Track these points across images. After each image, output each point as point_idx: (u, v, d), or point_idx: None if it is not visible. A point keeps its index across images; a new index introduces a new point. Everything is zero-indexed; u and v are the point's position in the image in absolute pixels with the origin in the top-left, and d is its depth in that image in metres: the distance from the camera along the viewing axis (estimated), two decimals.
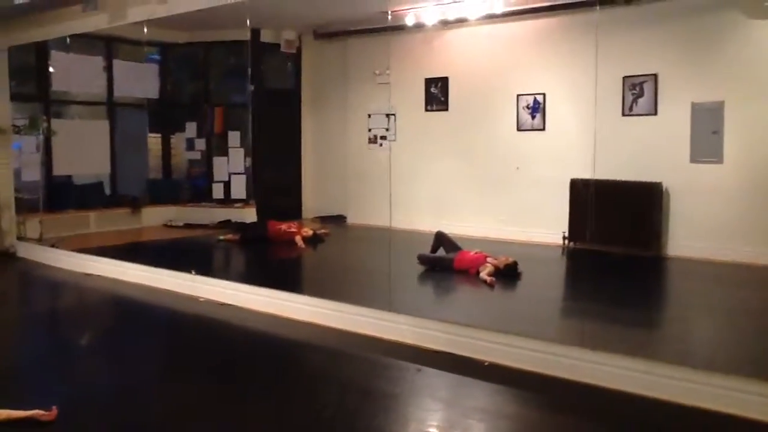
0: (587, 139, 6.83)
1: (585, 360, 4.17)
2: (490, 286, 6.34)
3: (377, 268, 6.69)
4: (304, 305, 5.65)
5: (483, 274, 6.50)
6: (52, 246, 8.48)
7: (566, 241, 8.34)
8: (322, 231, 9.33)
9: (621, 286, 6.59)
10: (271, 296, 5.91)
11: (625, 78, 8.08)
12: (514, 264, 6.67)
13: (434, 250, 7.37)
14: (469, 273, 6.70)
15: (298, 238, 8.75)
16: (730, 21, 7.50)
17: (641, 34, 7.97)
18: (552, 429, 3.71)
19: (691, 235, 7.64)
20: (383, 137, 10.42)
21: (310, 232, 8.99)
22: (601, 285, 6.44)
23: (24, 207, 8.97)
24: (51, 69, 10.01)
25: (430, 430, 3.61)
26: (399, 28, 9.56)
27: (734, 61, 7.44)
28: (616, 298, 6.00)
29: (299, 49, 11.26)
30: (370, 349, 4.91)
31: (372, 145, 10.62)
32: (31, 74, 10.02)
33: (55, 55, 9.98)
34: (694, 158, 7.65)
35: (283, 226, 9.02)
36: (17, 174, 9.07)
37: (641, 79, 8.00)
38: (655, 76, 7.91)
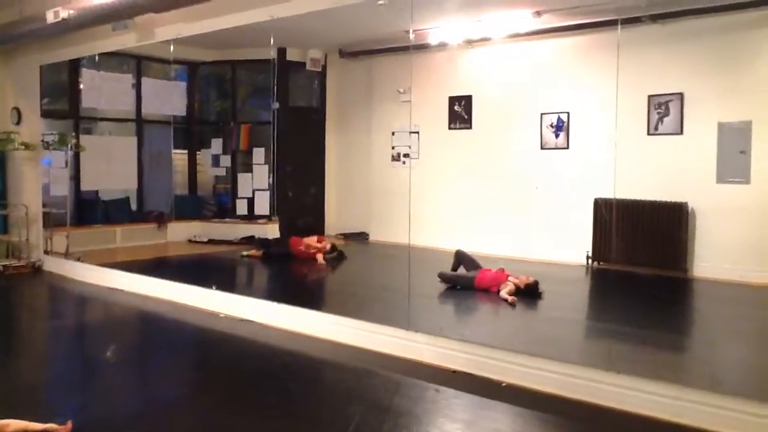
0: (611, 158, 6.77)
1: (609, 383, 4.11)
2: (512, 305, 6.30)
3: (397, 286, 6.67)
4: (323, 322, 5.65)
5: (504, 293, 6.45)
6: (78, 260, 8.60)
7: (590, 261, 8.26)
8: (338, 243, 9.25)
9: (646, 308, 6.48)
10: (291, 313, 5.92)
11: (650, 97, 8.02)
12: (536, 283, 6.61)
13: (455, 268, 7.34)
14: (490, 291, 6.66)
15: (319, 257, 8.77)
16: (759, 39, 7.42)
17: (667, 52, 7.91)
18: None
19: (717, 256, 7.52)
20: (406, 155, 10.44)
21: (328, 246, 9.00)
22: (625, 306, 6.35)
23: (51, 221, 9.11)
24: (81, 86, 10.19)
25: None
26: (423, 47, 9.60)
27: (763, 80, 7.34)
28: (640, 320, 5.90)
29: (324, 68, 11.35)
30: (390, 368, 4.88)
31: (395, 163, 10.65)
32: (62, 91, 10.22)
33: (86, 73, 10.18)
34: (721, 178, 7.54)
35: (305, 242, 9.04)
36: (46, 189, 9.23)
37: (667, 98, 7.93)
38: (681, 95, 7.84)
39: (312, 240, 9.13)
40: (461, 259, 7.35)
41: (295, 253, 9.01)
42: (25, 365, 5.22)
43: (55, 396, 4.45)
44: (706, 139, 7.61)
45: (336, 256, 9.06)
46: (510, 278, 6.67)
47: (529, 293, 6.55)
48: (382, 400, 4.21)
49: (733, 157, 7.46)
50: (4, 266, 8.65)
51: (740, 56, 7.52)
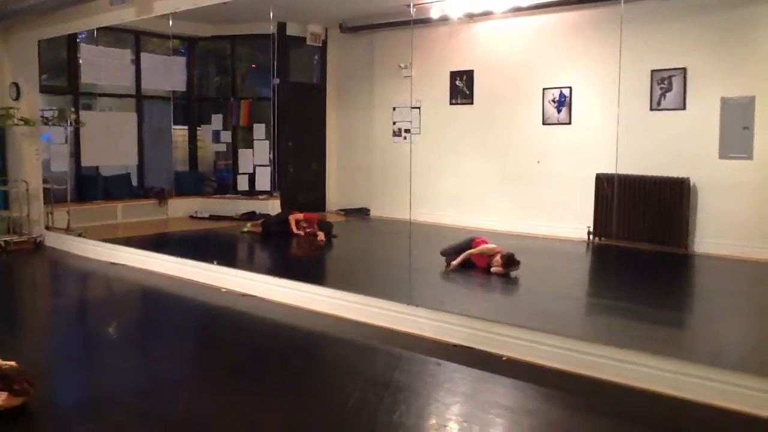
0: (613, 134, 6.74)
1: (609, 357, 4.12)
2: (506, 275, 6.38)
3: (399, 262, 6.68)
4: (324, 297, 5.67)
5: (495, 268, 6.50)
6: (79, 236, 8.61)
7: (591, 237, 8.26)
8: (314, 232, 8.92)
9: (647, 283, 6.50)
10: (292, 287, 5.93)
11: (653, 72, 7.96)
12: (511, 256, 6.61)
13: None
14: (479, 264, 6.65)
15: (321, 234, 8.73)
16: (763, 14, 7.34)
17: (670, 27, 7.84)
18: (574, 427, 3.66)
19: (719, 231, 7.51)
20: (408, 131, 10.40)
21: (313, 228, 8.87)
22: (626, 281, 6.35)
23: (52, 197, 9.10)
24: (80, 61, 10.13)
25: (450, 424, 3.60)
26: (425, 21, 9.51)
27: (767, 55, 7.28)
28: (642, 295, 5.91)
29: (325, 43, 11.26)
30: (391, 342, 4.90)
31: (396, 139, 10.61)
32: (61, 67, 10.16)
33: (85, 48, 10.11)
34: (724, 154, 7.50)
35: (302, 217, 8.96)
36: (46, 165, 9.20)
37: (670, 73, 7.87)
38: (684, 70, 7.78)
39: (311, 219, 8.98)
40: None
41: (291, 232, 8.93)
42: (26, 341, 5.24)
43: (57, 372, 4.46)
44: (709, 115, 7.56)
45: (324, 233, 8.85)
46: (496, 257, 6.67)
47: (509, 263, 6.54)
48: (383, 375, 4.23)
49: (736, 132, 7.42)
50: (5, 242, 8.65)
51: (744, 31, 7.45)
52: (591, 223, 8.24)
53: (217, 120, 11.25)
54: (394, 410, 3.66)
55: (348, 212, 10.88)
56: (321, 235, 8.72)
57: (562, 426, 3.65)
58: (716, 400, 3.71)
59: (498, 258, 6.53)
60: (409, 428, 3.48)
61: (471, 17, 9.46)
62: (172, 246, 8.62)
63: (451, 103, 10.00)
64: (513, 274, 6.43)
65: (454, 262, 6.70)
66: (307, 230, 8.83)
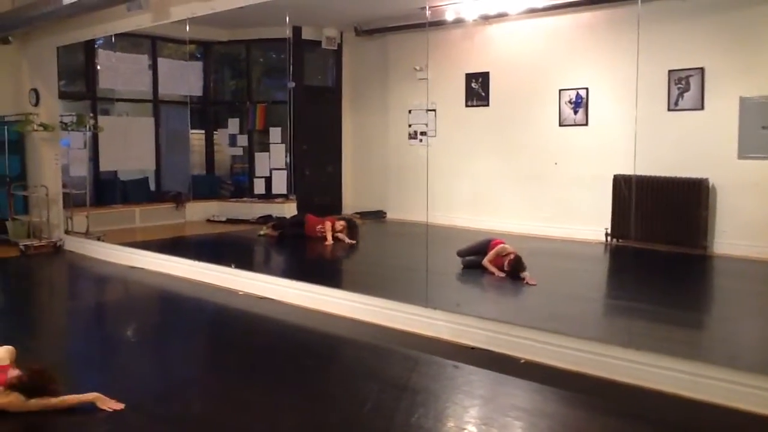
0: (631, 134, 6.71)
1: (628, 360, 4.09)
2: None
3: (415, 264, 6.67)
4: (341, 300, 5.68)
5: (507, 268, 6.45)
6: (98, 240, 8.69)
7: (609, 238, 8.20)
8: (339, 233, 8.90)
9: (665, 285, 6.44)
10: (309, 290, 5.95)
11: (670, 72, 7.90)
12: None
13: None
14: (496, 264, 6.61)
15: (329, 236, 8.72)
16: None
17: (688, 26, 7.78)
18: (592, 429, 3.64)
19: (738, 232, 7.43)
20: (423, 133, 10.39)
21: (339, 226, 8.88)
22: (644, 283, 6.31)
23: (71, 202, 9.19)
24: (98, 67, 10.23)
25: (468, 427, 3.59)
26: (439, 24, 9.52)
27: None
28: (660, 297, 5.87)
29: (340, 46, 11.29)
30: (408, 345, 4.90)
31: (412, 141, 10.61)
32: (79, 73, 10.27)
33: (102, 54, 10.21)
34: (742, 154, 7.43)
35: (318, 226, 8.95)
36: (65, 170, 9.30)
37: (687, 72, 7.81)
38: (702, 69, 7.71)
39: (327, 223, 8.98)
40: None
41: (310, 233, 8.96)
42: (46, 343, 5.30)
43: (76, 374, 4.50)
44: (728, 115, 7.49)
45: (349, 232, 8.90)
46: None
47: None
48: (400, 378, 4.23)
49: (755, 132, 7.34)
50: (26, 246, 8.75)
51: (763, 29, 7.36)
52: (609, 225, 8.19)
53: (233, 124, 11.32)
54: (411, 413, 3.66)
55: (364, 215, 10.89)
56: (330, 238, 8.69)
57: (580, 428, 3.63)
58: (733, 401, 3.68)
59: (510, 258, 6.49)
60: (427, 431, 3.47)
61: (486, 19, 9.44)
62: (190, 249, 8.68)
63: (466, 105, 9.99)
64: (527, 276, 6.36)
65: (498, 274, 6.60)
66: (322, 232, 8.82)
